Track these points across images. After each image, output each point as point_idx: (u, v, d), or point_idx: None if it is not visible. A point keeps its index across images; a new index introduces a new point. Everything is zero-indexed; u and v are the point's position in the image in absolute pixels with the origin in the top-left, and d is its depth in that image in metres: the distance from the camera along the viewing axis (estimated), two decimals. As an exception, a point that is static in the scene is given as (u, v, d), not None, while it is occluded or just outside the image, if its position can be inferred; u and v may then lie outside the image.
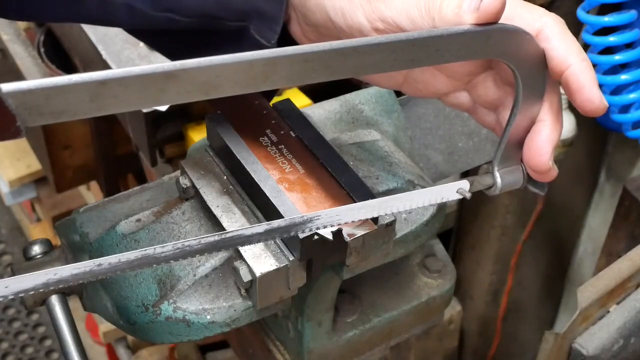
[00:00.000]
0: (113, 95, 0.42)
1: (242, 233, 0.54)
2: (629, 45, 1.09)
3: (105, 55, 1.25)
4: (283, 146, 0.67)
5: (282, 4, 0.63)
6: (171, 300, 0.63)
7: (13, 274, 0.69)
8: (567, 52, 0.56)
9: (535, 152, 0.59)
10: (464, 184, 0.60)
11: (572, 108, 1.30)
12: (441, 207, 0.71)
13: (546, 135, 0.59)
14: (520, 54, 0.55)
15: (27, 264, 0.70)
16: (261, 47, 0.64)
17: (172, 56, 0.71)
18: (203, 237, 0.52)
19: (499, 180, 0.62)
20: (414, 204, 0.59)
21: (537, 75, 0.57)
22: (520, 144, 0.60)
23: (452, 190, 0.60)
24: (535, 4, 0.59)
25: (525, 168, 0.62)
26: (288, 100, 0.71)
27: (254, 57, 0.47)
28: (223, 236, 0.53)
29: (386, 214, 0.61)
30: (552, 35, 0.56)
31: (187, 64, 0.45)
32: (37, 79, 0.39)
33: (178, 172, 0.70)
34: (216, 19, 0.64)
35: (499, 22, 0.54)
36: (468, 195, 0.59)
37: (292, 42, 0.66)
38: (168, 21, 0.64)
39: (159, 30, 0.67)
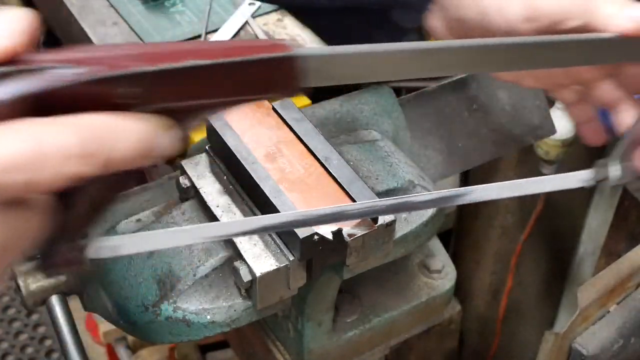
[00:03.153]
0: (373, 66, 0.47)
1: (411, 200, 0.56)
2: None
3: (105, 55, 1.25)
4: (283, 146, 0.67)
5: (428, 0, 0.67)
6: (171, 300, 0.63)
7: (13, 274, 0.69)
8: None
9: None
10: (587, 174, 0.61)
11: (571, 108, 1.30)
12: (441, 207, 0.71)
13: None
14: None
15: (27, 264, 0.70)
16: (403, 30, 0.69)
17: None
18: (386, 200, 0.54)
19: (616, 173, 0.62)
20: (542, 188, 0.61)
21: None
22: (635, 143, 0.62)
23: (576, 180, 0.61)
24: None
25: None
26: (288, 100, 0.71)
27: (473, 43, 0.52)
28: (399, 200, 0.55)
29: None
30: None
31: (431, 44, 0.51)
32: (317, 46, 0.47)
33: (178, 172, 0.70)
34: (362, 8, 0.67)
35: None
36: (592, 183, 0.61)
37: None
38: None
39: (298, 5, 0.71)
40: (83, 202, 0.41)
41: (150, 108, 0.39)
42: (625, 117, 0.65)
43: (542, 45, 0.55)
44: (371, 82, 0.76)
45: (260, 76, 0.42)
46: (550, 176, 0.61)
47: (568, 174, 0.61)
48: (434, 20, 0.68)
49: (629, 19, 0.57)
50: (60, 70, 0.37)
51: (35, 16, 0.37)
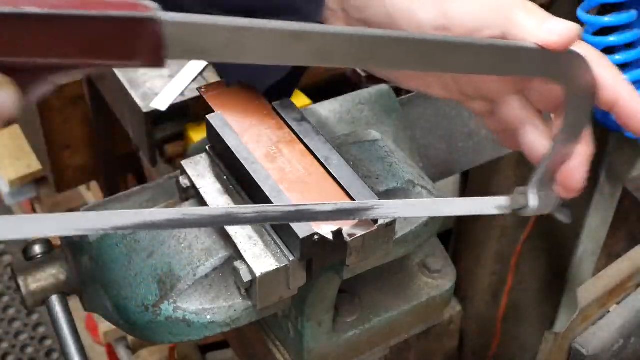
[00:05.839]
0: (243, 44, 0.44)
1: (310, 209, 0.55)
2: (629, 45, 1.09)
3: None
4: (283, 146, 0.67)
5: (320, 6, 0.63)
6: (171, 300, 0.63)
7: (13, 274, 0.69)
8: (616, 81, 0.58)
9: (575, 172, 0.60)
10: (504, 201, 0.60)
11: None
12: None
13: (587, 157, 0.60)
14: (577, 79, 0.56)
15: (27, 264, 0.70)
16: None
17: None
18: (281, 206, 0.54)
19: (534, 202, 0.61)
20: (453, 211, 0.61)
21: (588, 101, 0.58)
22: (554, 169, 0.60)
23: (491, 205, 0.60)
24: (536, 3, 0.59)
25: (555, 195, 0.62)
26: (288, 100, 0.71)
27: (364, 32, 0.48)
28: (298, 208, 0.54)
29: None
30: (600, 65, 0.58)
31: (313, 27, 0.46)
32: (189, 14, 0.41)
33: (178, 172, 0.70)
34: (252, 13, 0.65)
35: None
36: (508, 211, 0.60)
37: None
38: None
39: None
40: None
41: None
42: (533, 138, 0.61)
43: (450, 46, 0.51)
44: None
45: (113, 38, 0.37)
46: (465, 199, 0.60)
47: (485, 198, 0.60)
48: (333, 22, 0.65)
49: (551, 31, 0.55)
50: None
51: None
